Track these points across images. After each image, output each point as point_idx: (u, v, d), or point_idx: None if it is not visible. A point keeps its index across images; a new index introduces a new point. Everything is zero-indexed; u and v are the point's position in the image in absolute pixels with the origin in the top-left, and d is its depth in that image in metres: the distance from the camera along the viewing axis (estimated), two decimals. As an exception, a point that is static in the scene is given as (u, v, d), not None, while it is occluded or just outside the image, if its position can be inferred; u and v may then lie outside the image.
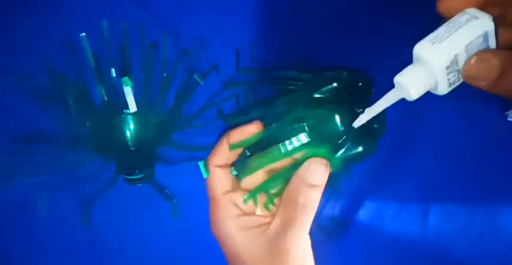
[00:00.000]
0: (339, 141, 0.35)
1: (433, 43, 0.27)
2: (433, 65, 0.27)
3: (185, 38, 0.40)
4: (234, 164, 0.37)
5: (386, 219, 0.41)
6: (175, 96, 0.39)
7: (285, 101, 0.37)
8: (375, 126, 0.37)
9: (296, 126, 0.36)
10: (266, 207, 0.36)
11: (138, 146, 0.39)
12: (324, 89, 0.37)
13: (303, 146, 0.35)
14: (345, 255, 0.41)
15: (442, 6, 0.28)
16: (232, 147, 0.36)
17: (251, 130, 0.36)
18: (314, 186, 0.34)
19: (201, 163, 0.40)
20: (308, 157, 0.35)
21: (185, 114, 0.40)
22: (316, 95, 0.37)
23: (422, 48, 0.27)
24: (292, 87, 0.38)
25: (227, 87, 0.40)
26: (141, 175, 0.38)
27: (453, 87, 0.28)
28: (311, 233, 0.35)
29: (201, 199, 0.41)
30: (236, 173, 0.36)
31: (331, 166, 0.35)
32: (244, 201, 0.36)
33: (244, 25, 0.40)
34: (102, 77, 0.39)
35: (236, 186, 0.37)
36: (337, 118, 0.35)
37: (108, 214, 0.41)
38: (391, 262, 0.41)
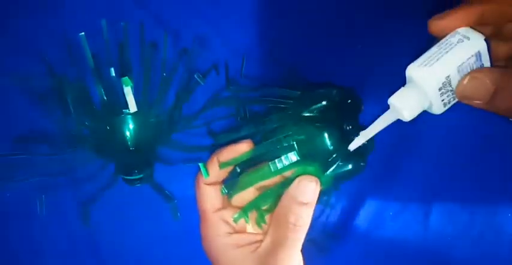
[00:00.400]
0: (329, 159, 0.36)
1: (425, 65, 0.27)
2: (426, 88, 0.27)
3: (185, 38, 0.40)
4: (224, 182, 0.38)
5: (387, 220, 0.41)
6: (175, 96, 0.39)
7: (275, 119, 0.37)
8: (365, 143, 0.37)
9: (286, 144, 0.36)
10: (258, 224, 0.36)
11: (138, 146, 0.39)
12: (313, 107, 0.37)
13: (292, 164, 0.35)
14: (345, 256, 0.41)
15: (434, 27, 0.28)
16: (223, 165, 0.36)
17: (241, 148, 0.36)
18: (304, 204, 0.34)
19: (201, 165, 0.40)
20: (298, 175, 0.35)
21: (185, 114, 0.40)
22: (306, 113, 0.37)
23: (413, 71, 0.27)
24: (283, 105, 0.38)
25: (217, 104, 0.40)
26: (141, 176, 0.38)
27: (449, 106, 0.29)
28: (303, 248, 0.35)
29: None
30: (227, 192, 0.36)
31: (321, 184, 0.35)
32: (235, 220, 0.36)
33: (244, 25, 0.40)
34: (101, 77, 0.39)
35: (226, 204, 0.37)
36: (326, 136, 0.36)
37: (108, 214, 0.41)
38: (392, 262, 0.41)
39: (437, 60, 0.26)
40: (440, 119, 0.40)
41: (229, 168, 0.37)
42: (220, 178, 0.37)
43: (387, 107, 0.29)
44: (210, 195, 0.37)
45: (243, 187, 0.36)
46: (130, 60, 0.39)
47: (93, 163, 0.39)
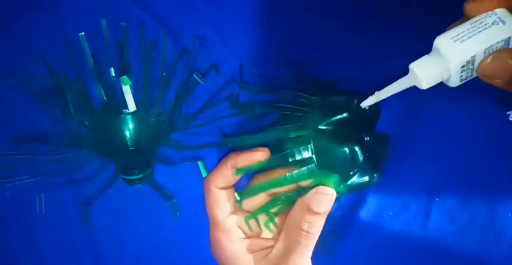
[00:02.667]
0: (350, 173, 0.36)
1: (455, 40, 0.26)
2: (450, 62, 0.27)
3: (185, 37, 0.40)
4: (237, 188, 0.38)
5: (387, 219, 0.41)
6: (175, 95, 0.39)
7: (292, 129, 0.37)
8: (385, 152, 0.38)
9: (305, 157, 0.36)
10: (267, 226, 0.36)
11: (138, 146, 0.39)
12: (334, 119, 0.37)
13: (310, 175, 0.35)
14: (345, 256, 0.41)
15: (470, 8, 0.28)
16: (238, 172, 0.36)
17: (257, 157, 0.36)
18: (318, 213, 0.34)
19: (200, 163, 0.40)
20: (315, 185, 0.35)
21: (185, 114, 0.40)
22: (325, 125, 0.37)
23: (443, 43, 0.27)
24: (300, 114, 0.38)
25: (233, 108, 0.40)
26: (141, 176, 0.38)
27: (464, 81, 0.28)
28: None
29: (200, 199, 0.41)
30: (239, 199, 0.36)
31: (337, 194, 0.35)
32: (246, 221, 0.36)
33: (245, 25, 0.40)
34: (101, 77, 0.39)
35: (238, 209, 0.37)
36: (348, 151, 0.36)
37: (108, 214, 0.41)
38: (392, 262, 0.41)
39: (469, 37, 0.26)
40: (440, 119, 0.41)
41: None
42: (232, 183, 0.37)
43: (406, 71, 0.28)
44: (221, 200, 0.36)
45: (257, 193, 0.36)
46: (130, 60, 0.39)
47: (93, 163, 0.39)
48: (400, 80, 0.29)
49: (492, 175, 0.41)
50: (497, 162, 0.41)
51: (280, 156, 0.36)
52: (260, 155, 0.36)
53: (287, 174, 0.35)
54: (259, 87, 0.40)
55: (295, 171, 0.35)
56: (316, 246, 0.35)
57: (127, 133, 0.38)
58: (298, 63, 0.40)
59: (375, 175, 0.37)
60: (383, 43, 0.40)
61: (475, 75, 0.28)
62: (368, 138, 0.37)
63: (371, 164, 0.37)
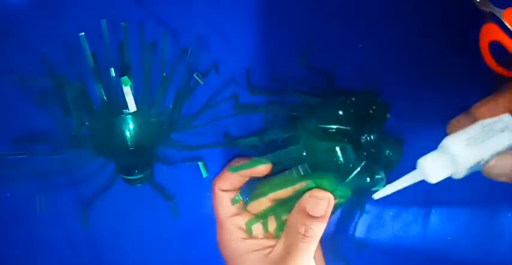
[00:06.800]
0: (344, 172, 0.35)
1: (467, 145, 0.28)
2: (461, 164, 0.28)
3: (185, 38, 0.40)
4: (241, 189, 0.38)
5: (387, 220, 0.41)
6: (175, 96, 0.39)
7: (290, 129, 0.37)
8: (390, 156, 0.37)
9: (299, 157, 0.36)
10: (276, 234, 0.37)
11: (138, 146, 0.39)
12: (328, 117, 0.36)
13: (302, 177, 0.35)
14: (345, 255, 0.41)
15: (477, 111, 0.30)
16: (232, 169, 0.37)
17: (260, 171, 0.37)
18: (315, 217, 0.35)
19: (200, 163, 0.40)
20: (310, 188, 0.35)
21: (185, 114, 0.40)
22: (321, 124, 0.36)
23: (454, 144, 0.28)
24: (295, 114, 0.38)
25: (237, 110, 0.40)
26: (141, 176, 0.38)
27: (468, 174, 0.29)
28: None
29: (200, 199, 0.41)
30: (241, 199, 0.37)
31: (338, 196, 0.35)
32: (248, 226, 0.37)
33: (245, 25, 0.40)
34: (101, 77, 0.39)
35: (241, 210, 0.38)
36: (338, 150, 0.35)
37: (108, 214, 0.41)
38: (392, 262, 0.41)
39: (481, 142, 0.28)
40: (441, 119, 0.41)
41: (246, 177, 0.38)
42: (236, 186, 0.38)
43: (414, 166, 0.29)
44: (226, 201, 0.37)
45: (261, 196, 0.37)
46: (130, 60, 0.39)
47: (93, 163, 0.39)
48: (409, 174, 0.30)
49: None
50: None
51: (279, 165, 0.36)
52: (263, 169, 0.37)
53: (279, 178, 0.36)
54: (269, 90, 0.40)
55: (288, 174, 0.35)
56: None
57: (127, 133, 0.38)
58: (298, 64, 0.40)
59: (378, 176, 0.36)
60: (381, 44, 0.40)
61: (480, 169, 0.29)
62: (371, 138, 0.37)
63: (371, 164, 0.36)
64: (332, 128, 0.36)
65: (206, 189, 0.39)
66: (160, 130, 0.39)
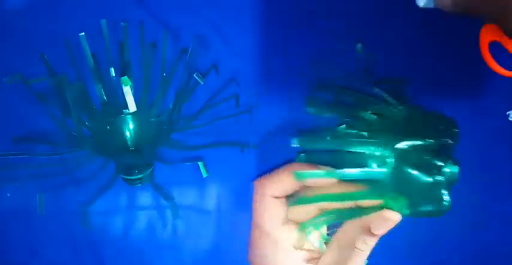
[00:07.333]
0: (422, 202, 0.33)
1: None
2: None
3: (185, 37, 0.40)
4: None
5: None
6: (175, 96, 0.39)
7: (371, 144, 0.34)
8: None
9: (378, 176, 0.33)
10: (320, 246, 0.36)
11: (138, 146, 0.39)
12: (430, 143, 0.33)
13: (379, 196, 0.33)
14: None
15: None
16: (298, 176, 0.33)
17: (328, 183, 0.34)
18: (376, 235, 0.34)
19: (200, 163, 0.40)
20: (379, 206, 0.33)
21: (185, 114, 0.40)
22: (406, 145, 0.33)
23: None
24: (378, 126, 0.35)
25: (310, 107, 0.38)
26: (141, 176, 0.38)
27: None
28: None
29: (200, 199, 0.41)
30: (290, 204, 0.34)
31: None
32: (303, 237, 0.35)
33: (245, 25, 0.40)
34: (101, 77, 0.39)
35: (288, 220, 0.36)
36: (431, 180, 0.32)
37: (108, 214, 0.41)
38: (391, 262, 0.41)
39: None
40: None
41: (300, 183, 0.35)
42: (288, 193, 0.36)
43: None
44: (274, 210, 0.35)
45: (312, 202, 0.35)
46: (130, 60, 0.39)
47: (92, 163, 0.39)
48: None
49: (493, 175, 0.41)
50: (497, 162, 0.41)
51: (352, 176, 0.32)
52: (332, 183, 0.33)
53: (353, 191, 0.33)
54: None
55: (363, 189, 0.33)
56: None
57: (127, 133, 0.38)
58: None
59: (444, 203, 0.33)
60: (379, 44, 0.40)
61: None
62: (446, 168, 0.33)
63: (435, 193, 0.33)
64: (421, 153, 0.32)
65: (206, 189, 0.39)
66: (160, 130, 0.39)
